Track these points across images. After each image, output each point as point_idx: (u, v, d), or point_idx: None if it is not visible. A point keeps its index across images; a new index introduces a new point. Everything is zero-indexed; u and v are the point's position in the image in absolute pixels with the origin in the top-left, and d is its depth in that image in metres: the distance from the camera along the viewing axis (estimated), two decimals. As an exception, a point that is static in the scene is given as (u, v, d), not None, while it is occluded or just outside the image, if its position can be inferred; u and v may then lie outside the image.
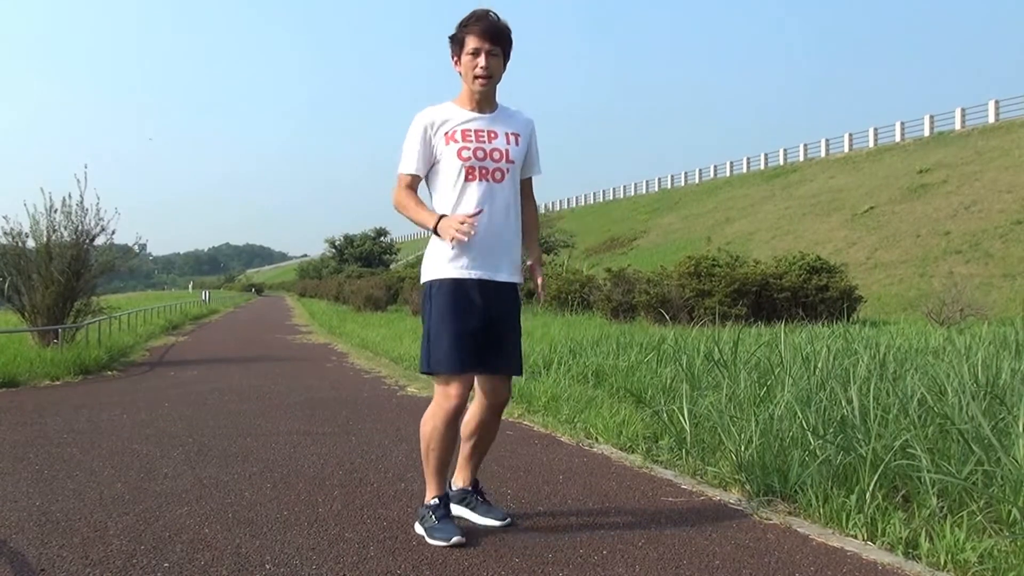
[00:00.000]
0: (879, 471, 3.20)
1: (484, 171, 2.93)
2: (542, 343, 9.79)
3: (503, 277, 2.96)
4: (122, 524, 3.15)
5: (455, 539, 2.86)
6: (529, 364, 8.08)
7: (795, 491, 3.40)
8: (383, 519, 3.23)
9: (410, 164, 2.97)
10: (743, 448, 3.81)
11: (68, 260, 11.33)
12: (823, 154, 47.64)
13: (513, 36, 2.97)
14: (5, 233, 11.30)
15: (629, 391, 5.86)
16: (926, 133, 41.19)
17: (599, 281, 19.95)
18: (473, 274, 2.91)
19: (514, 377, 3.12)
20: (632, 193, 65.10)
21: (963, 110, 39.71)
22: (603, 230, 51.48)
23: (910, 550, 2.81)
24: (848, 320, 14.61)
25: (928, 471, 3.13)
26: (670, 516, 3.29)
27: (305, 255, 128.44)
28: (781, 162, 50.92)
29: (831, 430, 3.77)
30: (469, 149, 2.92)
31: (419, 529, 3.00)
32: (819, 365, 5.22)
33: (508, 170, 2.96)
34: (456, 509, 3.10)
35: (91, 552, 2.82)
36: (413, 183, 2.99)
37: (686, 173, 60.42)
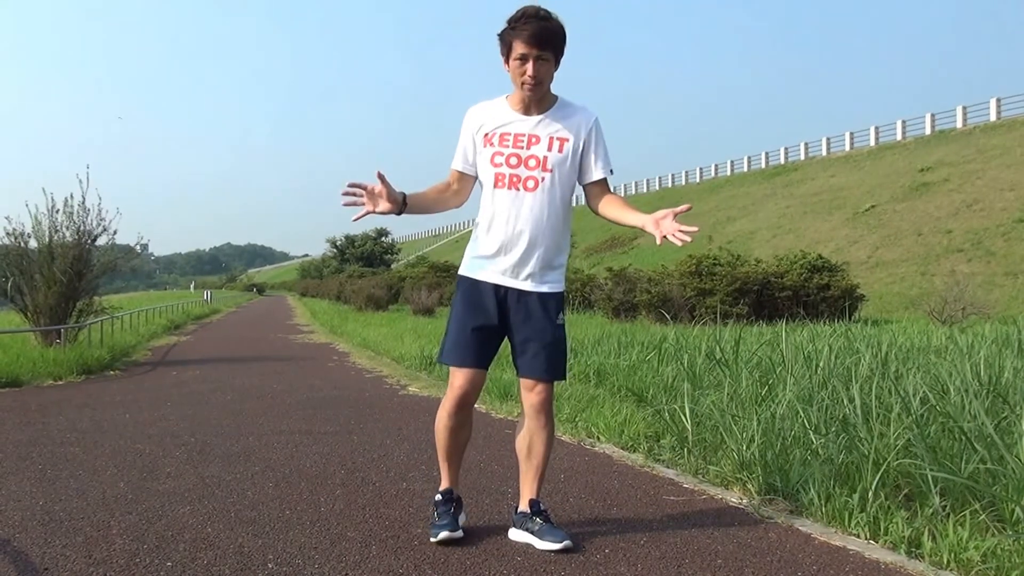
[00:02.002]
0: (881, 470, 3.20)
1: (515, 179, 2.84)
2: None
3: (527, 286, 2.88)
4: (125, 523, 3.15)
5: (441, 535, 2.87)
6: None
7: (797, 490, 3.40)
8: (385, 518, 3.23)
9: (455, 159, 2.98)
10: (745, 447, 3.81)
11: (70, 260, 11.34)
12: (824, 152, 47.60)
13: (567, 32, 2.80)
14: (8, 233, 11.32)
15: (630, 390, 5.87)
16: (927, 131, 41.16)
17: (600, 280, 19.96)
18: (491, 278, 2.90)
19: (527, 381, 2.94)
20: (632, 192, 65.05)
21: (964, 108, 39.67)
22: (604, 229, 51.42)
23: (913, 549, 2.81)
24: (850, 319, 14.60)
25: (931, 470, 3.13)
26: (672, 515, 3.29)
27: (307, 255, 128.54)
28: (782, 160, 50.90)
29: (833, 429, 3.77)
30: (503, 155, 2.85)
31: None
32: (821, 364, 5.22)
33: (543, 179, 2.84)
34: (516, 535, 2.94)
35: (94, 551, 2.82)
36: (454, 178, 2.99)
37: (687, 172, 60.44)
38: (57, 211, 11.44)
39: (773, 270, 17.07)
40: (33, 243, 11.42)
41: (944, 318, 14.14)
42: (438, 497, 3.00)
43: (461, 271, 3.00)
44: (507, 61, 2.82)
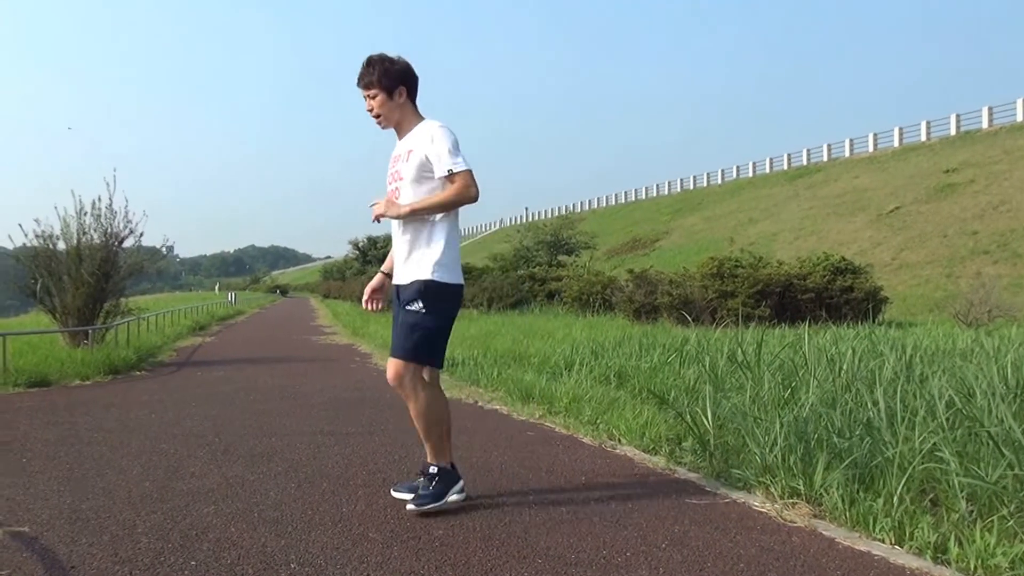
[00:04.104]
0: (907, 474, 3.17)
1: (392, 192, 3.45)
2: (564, 344, 9.78)
3: (401, 280, 3.42)
4: (150, 522, 3.20)
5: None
6: (550, 365, 8.08)
7: (820, 494, 3.37)
8: (407, 519, 3.25)
9: None
10: (767, 450, 3.78)
11: (98, 262, 11.52)
12: (847, 154, 47.13)
13: (387, 65, 3.37)
14: (37, 236, 11.52)
15: (652, 392, 5.84)
16: (952, 132, 40.59)
17: (621, 282, 19.89)
18: (394, 280, 3.51)
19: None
20: (654, 194, 64.83)
21: (991, 108, 39.07)
22: (625, 231, 51.30)
23: (939, 555, 2.78)
24: (873, 321, 14.43)
25: (957, 474, 3.09)
26: (694, 518, 3.28)
27: (329, 256, 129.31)
28: (805, 162, 50.45)
29: (857, 432, 3.73)
30: (388, 173, 3.50)
31: None
32: (844, 367, 5.16)
33: (399, 187, 3.41)
34: None
35: (120, 550, 2.86)
36: None
37: (708, 174, 60.11)
38: (85, 213, 11.64)
39: (795, 272, 16.91)
40: (61, 245, 11.62)
41: (970, 320, 13.93)
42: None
43: None
44: None
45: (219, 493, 3.67)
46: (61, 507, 3.44)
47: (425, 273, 3.32)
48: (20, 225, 11.54)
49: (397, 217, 3.35)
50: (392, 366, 3.38)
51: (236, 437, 5.16)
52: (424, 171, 3.33)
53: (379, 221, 3.40)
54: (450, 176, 3.29)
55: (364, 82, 3.40)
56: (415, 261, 3.36)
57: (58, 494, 3.66)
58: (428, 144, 3.31)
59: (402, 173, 3.38)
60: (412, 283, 3.34)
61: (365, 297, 3.65)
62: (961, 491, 3.04)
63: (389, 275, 3.59)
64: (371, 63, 3.39)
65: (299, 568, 2.69)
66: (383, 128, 3.47)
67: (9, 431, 5.45)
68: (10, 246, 12.12)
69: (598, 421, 5.28)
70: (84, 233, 11.62)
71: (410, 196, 3.36)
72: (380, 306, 3.65)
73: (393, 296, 3.53)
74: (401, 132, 3.46)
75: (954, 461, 3.16)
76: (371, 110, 3.41)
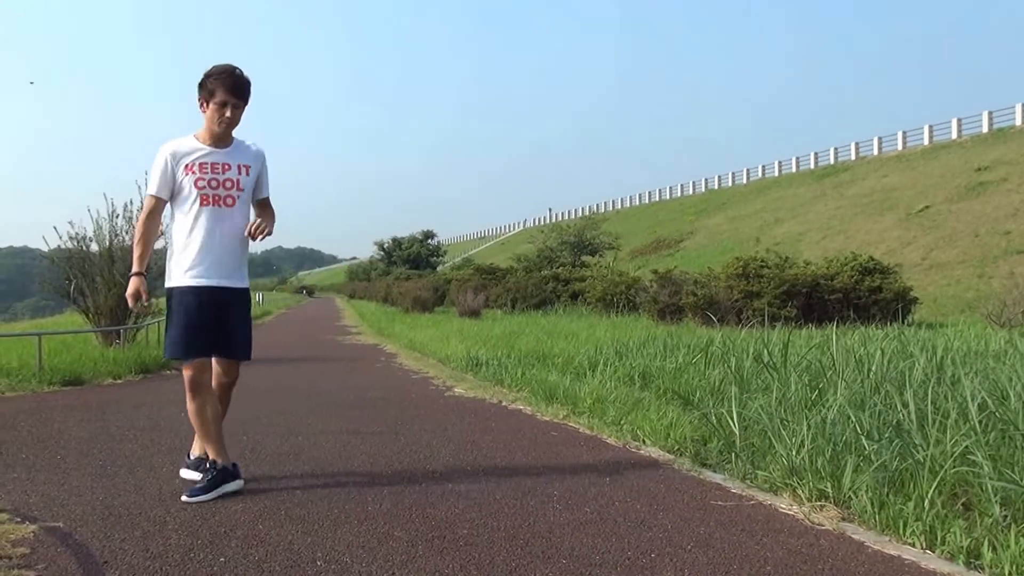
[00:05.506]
0: (938, 478, 3.12)
1: (217, 198, 3.57)
2: (588, 344, 9.76)
3: (235, 283, 3.66)
4: (180, 519, 3.25)
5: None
6: (574, 366, 8.07)
7: (849, 496, 3.33)
8: (431, 518, 3.26)
9: (153, 187, 3.63)
10: (794, 452, 3.74)
11: (129, 263, 11.69)
12: (875, 152, 46.50)
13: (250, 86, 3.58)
14: (71, 238, 11.75)
15: (677, 393, 5.81)
16: (984, 129, 39.88)
17: (645, 283, 19.80)
18: (207, 282, 3.59)
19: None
20: (678, 194, 64.47)
21: (1025, 105, 38.35)
22: (649, 231, 51.07)
23: (972, 560, 2.73)
24: (903, 322, 14.21)
25: (990, 478, 3.04)
26: (720, 520, 3.26)
27: (354, 257, 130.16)
28: (832, 161, 49.88)
29: (886, 435, 3.68)
30: (204, 179, 3.55)
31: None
32: (873, 368, 5.09)
33: (238, 197, 3.61)
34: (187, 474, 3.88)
35: (151, 545, 2.91)
36: (157, 205, 3.67)
37: (733, 173, 59.67)
38: (117, 216, 11.85)
39: (823, 272, 16.72)
40: (94, 247, 11.84)
41: (1003, 321, 13.65)
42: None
43: (175, 283, 3.62)
44: (205, 106, 3.55)
45: (246, 490, 3.72)
46: (94, 503, 3.50)
47: (247, 280, 3.78)
48: (55, 227, 11.79)
49: (270, 234, 3.64)
50: (236, 368, 3.85)
51: (263, 436, 5.22)
52: (255, 188, 3.71)
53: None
54: (267, 200, 3.78)
55: (240, 92, 3.53)
56: (243, 269, 3.74)
57: (91, 490, 3.73)
58: (262, 165, 3.71)
59: (242, 185, 3.63)
60: (244, 289, 3.72)
61: (143, 301, 3.72)
62: (995, 495, 2.99)
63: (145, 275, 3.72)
64: (245, 75, 3.55)
65: (325, 565, 2.71)
66: (223, 133, 3.59)
67: (45, 428, 5.56)
68: (45, 248, 12.39)
69: (622, 422, 5.27)
70: (116, 235, 11.83)
71: (246, 210, 3.67)
72: (143, 301, 3.72)
73: (207, 298, 3.61)
74: (222, 142, 3.62)
75: (987, 464, 3.11)
76: (230, 118, 3.53)
